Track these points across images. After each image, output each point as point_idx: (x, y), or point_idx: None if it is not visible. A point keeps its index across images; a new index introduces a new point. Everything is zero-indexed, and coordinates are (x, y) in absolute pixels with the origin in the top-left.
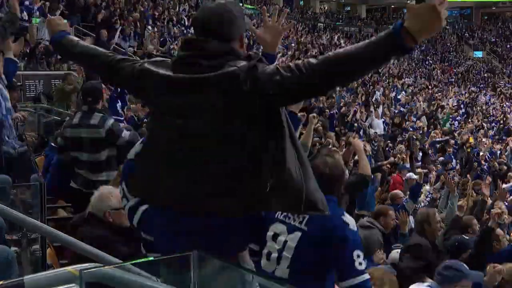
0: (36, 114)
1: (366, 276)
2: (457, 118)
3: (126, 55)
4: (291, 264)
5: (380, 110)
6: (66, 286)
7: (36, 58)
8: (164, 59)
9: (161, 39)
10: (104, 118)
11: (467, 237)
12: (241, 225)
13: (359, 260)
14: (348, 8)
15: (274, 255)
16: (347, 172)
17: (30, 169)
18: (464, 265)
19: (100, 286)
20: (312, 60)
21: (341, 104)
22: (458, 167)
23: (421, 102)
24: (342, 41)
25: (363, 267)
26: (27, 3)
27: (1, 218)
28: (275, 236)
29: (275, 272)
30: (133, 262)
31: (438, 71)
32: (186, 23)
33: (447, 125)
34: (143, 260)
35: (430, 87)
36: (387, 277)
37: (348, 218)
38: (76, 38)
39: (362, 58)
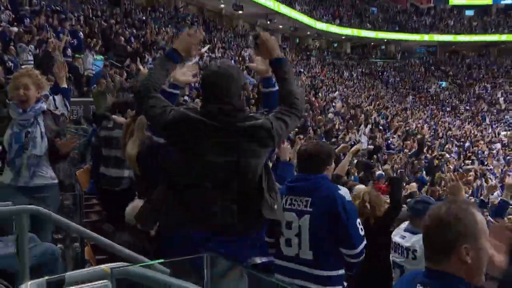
0: (77, 135)
1: (365, 241)
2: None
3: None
4: (311, 245)
5: (367, 129)
6: (99, 282)
7: (80, 87)
8: (194, 106)
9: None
10: None
11: None
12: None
13: (360, 226)
14: (336, 45)
15: (294, 240)
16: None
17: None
18: (431, 198)
19: (129, 282)
20: (285, 107)
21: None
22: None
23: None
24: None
25: (363, 232)
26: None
27: (55, 246)
28: (288, 224)
29: (299, 255)
30: (159, 261)
31: (410, 97)
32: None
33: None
34: (168, 260)
35: (403, 111)
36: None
37: (343, 191)
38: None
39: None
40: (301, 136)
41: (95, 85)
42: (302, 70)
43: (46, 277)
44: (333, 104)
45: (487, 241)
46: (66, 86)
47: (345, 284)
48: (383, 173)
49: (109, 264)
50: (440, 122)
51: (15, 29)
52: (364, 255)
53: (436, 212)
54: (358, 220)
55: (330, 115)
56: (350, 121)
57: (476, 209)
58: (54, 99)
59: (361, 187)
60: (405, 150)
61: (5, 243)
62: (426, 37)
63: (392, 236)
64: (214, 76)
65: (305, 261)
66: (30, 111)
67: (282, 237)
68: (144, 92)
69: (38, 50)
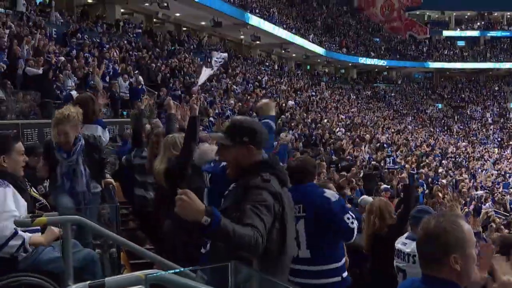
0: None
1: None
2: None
3: None
4: (307, 245)
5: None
6: (135, 287)
7: (116, 108)
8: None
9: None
10: None
11: None
12: None
13: (350, 221)
14: (343, 71)
15: (294, 243)
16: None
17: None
18: (431, 208)
19: None
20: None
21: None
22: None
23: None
24: (338, 95)
25: (355, 224)
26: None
27: (94, 252)
28: None
29: (299, 255)
30: (191, 268)
31: (410, 118)
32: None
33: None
34: (201, 267)
35: (404, 130)
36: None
37: (328, 193)
38: None
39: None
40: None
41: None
42: (313, 93)
43: (88, 282)
44: (340, 127)
45: (473, 249)
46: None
47: (345, 274)
48: (388, 186)
49: (144, 271)
50: (436, 140)
51: (62, 58)
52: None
53: (427, 225)
54: (347, 215)
55: (339, 133)
56: (356, 140)
57: (463, 221)
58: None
59: (369, 199)
60: (406, 166)
61: (53, 248)
62: (423, 64)
63: (395, 243)
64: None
65: (304, 260)
66: (74, 154)
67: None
68: None
69: (80, 79)
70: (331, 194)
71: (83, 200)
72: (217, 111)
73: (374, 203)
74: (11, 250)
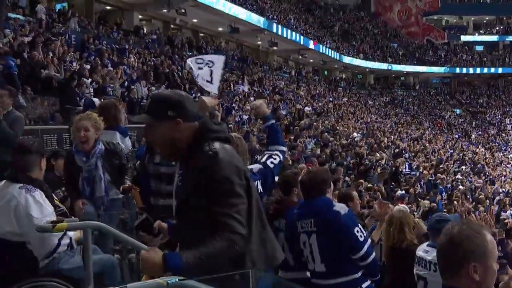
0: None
1: (368, 241)
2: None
3: None
4: (322, 259)
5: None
6: None
7: (134, 114)
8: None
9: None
10: None
11: None
12: None
13: (359, 234)
14: (360, 76)
15: (309, 257)
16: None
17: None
18: (448, 214)
19: None
20: None
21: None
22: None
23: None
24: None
25: (363, 237)
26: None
27: (113, 257)
28: (304, 244)
29: (315, 269)
30: (213, 276)
31: (428, 123)
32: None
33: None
34: (219, 275)
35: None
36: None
37: (337, 206)
38: None
39: None
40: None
41: None
42: (331, 99)
43: None
44: (357, 132)
45: (494, 262)
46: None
47: (365, 285)
48: (404, 192)
49: (166, 278)
50: (455, 146)
51: (86, 66)
52: (372, 257)
53: (449, 231)
54: (357, 228)
55: (357, 139)
56: (375, 145)
57: (487, 232)
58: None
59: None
60: (424, 172)
61: (74, 253)
62: (441, 70)
63: (416, 251)
64: None
65: (320, 274)
66: (92, 157)
67: (303, 256)
68: None
69: (98, 84)
70: (341, 207)
71: (102, 205)
72: (237, 119)
73: (395, 215)
74: (63, 249)
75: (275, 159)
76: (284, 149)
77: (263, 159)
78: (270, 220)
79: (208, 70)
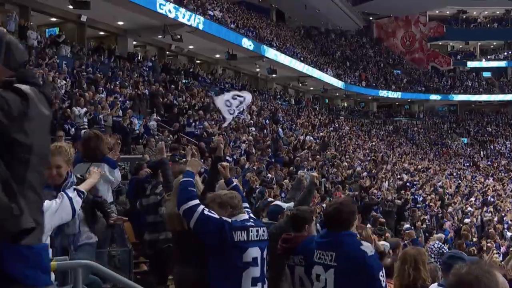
0: (125, 187)
1: None
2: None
3: None
4: None
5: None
6: None
7: (127, 144)
8: None
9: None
10: None
11: None
12: None
13: (383, 279)
14: (363, 104)
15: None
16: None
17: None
18: (463, 253)
19: None
20: None
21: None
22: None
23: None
24: (358, 130)
25: (385, 282)
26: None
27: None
28: (317, 277)
29: None
30: None
31: (433, 153)
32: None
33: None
34: None
35: (428, 166)
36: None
37: (365, 246)
38: None
39: None
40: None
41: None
42: (332, 129)
43: None
44: (360, 164)
45: None
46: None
47: None
48: (409, 226)
49: None
50: (462, 177)
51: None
52: None
53: (458, 272)
54: (381, 273)
55: (358, 169)
56: (378, 176)
57: (498, 272)
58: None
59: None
60: (431, 205)
61: None
62: (447, 97)
63: None
64: None
65: None
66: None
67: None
68: None
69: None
70: (368, 247)
71: (72, 244)
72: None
73: (409, 252)
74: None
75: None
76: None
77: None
78: (280, 260)
79: (237, 102)
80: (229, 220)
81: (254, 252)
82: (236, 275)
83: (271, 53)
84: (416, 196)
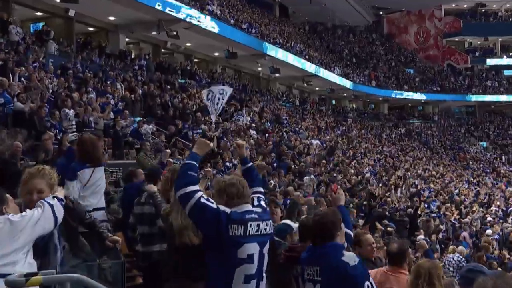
0: (117, 195)
1: None
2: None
3: None
4: None
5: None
6: None
7: (120, 149)
8: None
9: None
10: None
11: None
12: None
13: (372, 286)
14: (373, 106)
15: None
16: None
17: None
18: (484, 266)
19: None
20: None
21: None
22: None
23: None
24: (366, 132)
25: None
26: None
27: None
28: None
29: None
30: None
31: (449, 158)
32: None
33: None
34: None
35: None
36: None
37: (346, 256)
38: None
39: None
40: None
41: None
42: (339, 132)
43: None
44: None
45: None
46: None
47: None
48: (424, 237)
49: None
50: (481, 184)
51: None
52: None
53: (482, 286)
54: (367, 283)
55: (367, 175)
56: (389, 184)
57: None
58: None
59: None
60: (446, 214)
61: None
62: (464, 98)
63: None
64: None
65: None
66: None
67: None
68: None
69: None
70: (350, 257)
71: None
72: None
73: (423, 265)
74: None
75: (263, 200)
76: (262, 190)
77: (256, 201)
78: (283, 269)
79: (219, 98)
80: (228, 210)
81: (251, 248)
82: (228, 272)
83: (274, 51)
84: (430, 205)
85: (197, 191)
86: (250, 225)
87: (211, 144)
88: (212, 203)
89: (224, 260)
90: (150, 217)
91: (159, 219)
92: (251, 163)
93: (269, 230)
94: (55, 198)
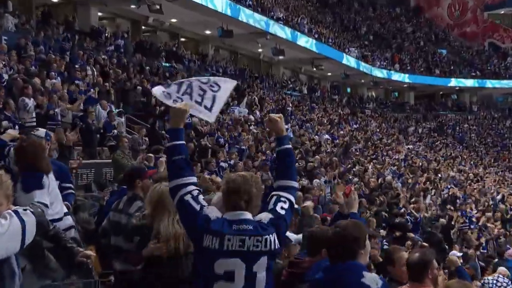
0: (88, 201)
1: None
2: None
3: None
4: None
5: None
6: None
7: (92, 146)
8: None
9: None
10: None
11: None
12: None
13: None
14: (396, 94)
15: None
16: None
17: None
18: None
19: None
20: None
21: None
22: None
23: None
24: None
25: None
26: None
27: None
28: None
29: None
30: None
31: (490, 158)
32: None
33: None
34: None
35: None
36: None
37: (367, 279)
38: None
39: None
40: None
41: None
42: (356, 126)
43: None
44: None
45: None
46: None
47: None
48: (459, 253)
49: None
50: None
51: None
52: None
53: None
54: None
55: (389, 178)
56: (417, 187)
57: None
58: None
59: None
60: (488, 225)
61: None
62: (509, 84)
63: None
64: None
65: None
66: None
67: None
68: None
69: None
70: (372, 279)
71: None
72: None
73: (452, 286)
74: None
75: (285, 202)
76: (297, 185)
77: (271, 205)
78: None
79: (211, 95)
80: (214, 216)
81: (228, 264)
82: (207, 285)
83: (278, 29)
84: (467, 214)
85: (184, 185)
86: (229, 240)
87: (187, 107)
88: (198, 203)
89: (200, 271)
90: (125, 229)
91: (138, 236)
92: (289, 146)
93: (263, 247)
94: (27, 211)
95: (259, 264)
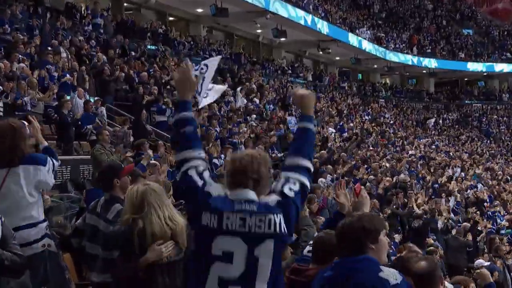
0: (63, 206)
1: None
2: None
3: None
4: None
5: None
6: None
7: (68, 141)
8: None
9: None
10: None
11: None
12: None
13: None
14: (414, 81)
15: None
16: None
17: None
18: None
19: None
20: None
21: None
22: None
23: None
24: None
25: None
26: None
27: None
28: None
29: None
30: None
31: None
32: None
33: None
34: None
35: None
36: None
37: (385, 273)
38: None
39: None
40: None
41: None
42: (366, 117)
43: None
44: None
45: None
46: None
47: None
48: (485, 262)
49: None
50: None
51: None
52: None
53: None
54: None
55: (403, 176)
56: (437, 188)
57: None
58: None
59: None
60: None
61: None
62: None
63: None
64: None
65: None
66: None
67: None
68: None
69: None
70: (391, 274)
71: None
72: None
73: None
74: None
75: (294, 184)
76: (310, 166)
77: (279, 186)
78: None
79: (200, 78)
80: (216, 193)
81: (227, 244)
82: (202, 268)
83: (279, 7)
84: (496, 218)
85: (191, 159)
86: (228, 218)
87: (190, 66)
88: (201, 178)
89: (198, 252)
90: (101, 236)
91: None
92: (311, 126)
93: (267, 228)
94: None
95: (263, 248)
